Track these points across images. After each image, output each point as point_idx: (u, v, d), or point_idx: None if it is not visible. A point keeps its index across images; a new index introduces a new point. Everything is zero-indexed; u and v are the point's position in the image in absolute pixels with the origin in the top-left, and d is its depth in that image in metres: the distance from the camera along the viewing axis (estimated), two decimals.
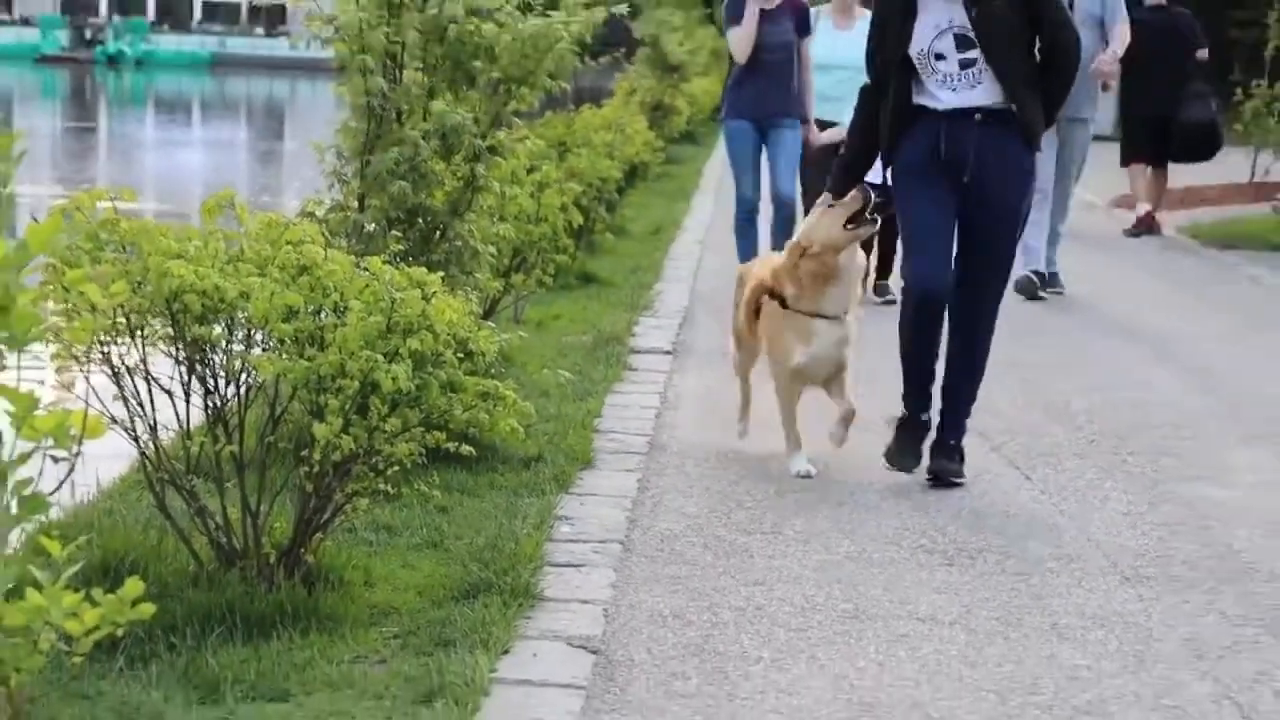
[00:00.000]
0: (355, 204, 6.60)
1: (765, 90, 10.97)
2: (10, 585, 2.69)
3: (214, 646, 4.46)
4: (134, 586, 2.73)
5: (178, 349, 4.80)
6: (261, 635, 4.57)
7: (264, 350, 4.79)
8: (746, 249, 11.10)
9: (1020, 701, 4.40)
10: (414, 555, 5.45)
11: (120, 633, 2.78)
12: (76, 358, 4.59)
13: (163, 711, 4.08)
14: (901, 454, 6.71)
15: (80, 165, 29.26)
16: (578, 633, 4.76)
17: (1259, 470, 7.05)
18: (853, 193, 6.59)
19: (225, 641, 4.51)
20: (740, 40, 10.95)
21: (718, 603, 5.11)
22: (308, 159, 7.15)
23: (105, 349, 4.72)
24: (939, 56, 6.47)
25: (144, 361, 4.79)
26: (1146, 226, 15.76)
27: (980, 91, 6.46)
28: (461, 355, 4.86)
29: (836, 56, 10.80)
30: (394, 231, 6.48)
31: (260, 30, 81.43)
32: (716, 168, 23.21)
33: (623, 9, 7.59)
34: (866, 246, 7.41)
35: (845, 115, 7.76)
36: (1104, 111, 14.36)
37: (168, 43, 78.41)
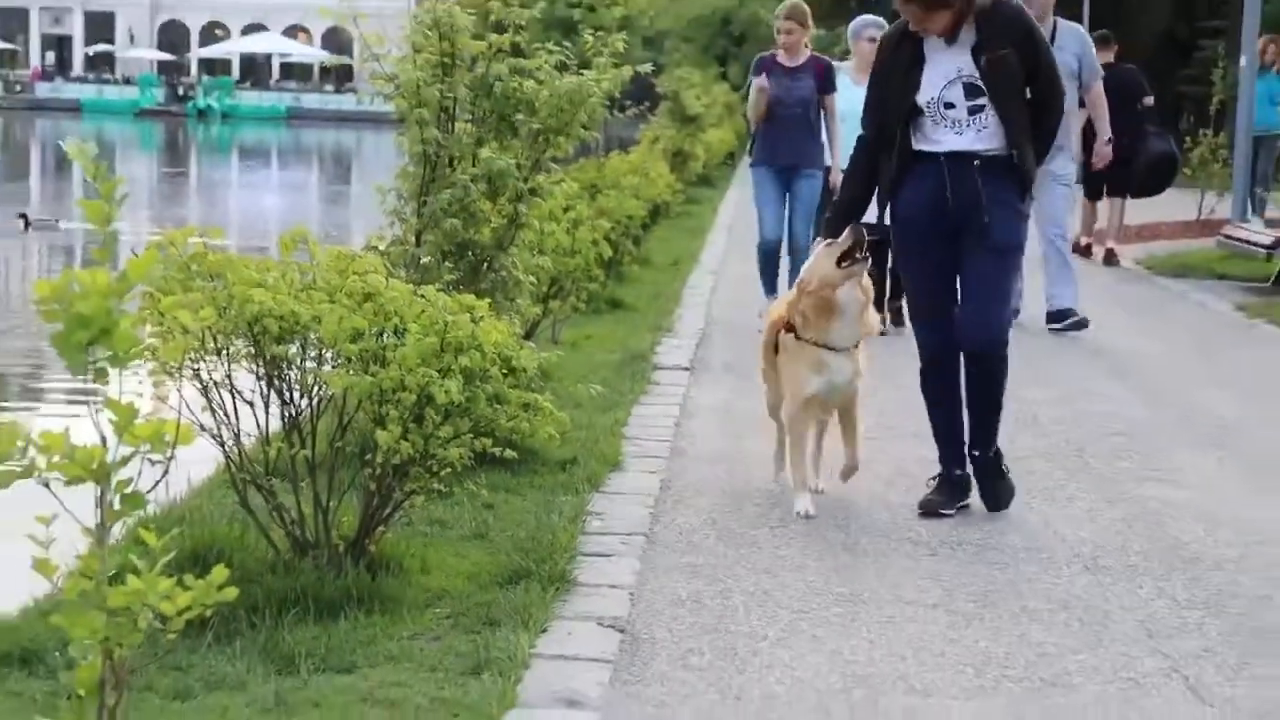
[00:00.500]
0: (413, 239, 6.62)
1: (782, 141, 10.81)
2: (114, 571, 2.71)
3: (290, 625, 4.48)
4: (220, 573, 2.75)
5: (258, 366, 4.83)
6: (331, 616, 4.59)
7: (333, 367, 4.82)
8: (769, 285, 10.95)
9: (995, 675, 4.39)
10: (464, 546, 5.45)
11: (208, 613, 2.79)
12: (170, 374, 4.63)
13: (245, 681, 4.11)
14: (939, 505, 6.15)
15: (173, 206, 29.39)
16: (607, 614, 4.76)
17: (1203, 473, 7.01)
18: (845, 232, 6.16)
19: (299, 621, 4.53)
20: (754, 95, 10.87)
21: (730, 588, 5.11)
22: (371, 200, 7.18)
23: (195, 366, 4.75)
24: (948, 105, 6.08)
25: (229, 377, 4.83)
26: (1084, 252, 15.65)
27: (985, 136, 6.07)
28: (506, 371, 4.88)
29: (855, 110, 10.65)
30: (447, 263, 6.50)
31: (330, 88, 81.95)
32: (730, 208, 23.21)
33: (648, 68, 7.62)
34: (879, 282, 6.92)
35: None
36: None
37: (249, 98, 78.89)
